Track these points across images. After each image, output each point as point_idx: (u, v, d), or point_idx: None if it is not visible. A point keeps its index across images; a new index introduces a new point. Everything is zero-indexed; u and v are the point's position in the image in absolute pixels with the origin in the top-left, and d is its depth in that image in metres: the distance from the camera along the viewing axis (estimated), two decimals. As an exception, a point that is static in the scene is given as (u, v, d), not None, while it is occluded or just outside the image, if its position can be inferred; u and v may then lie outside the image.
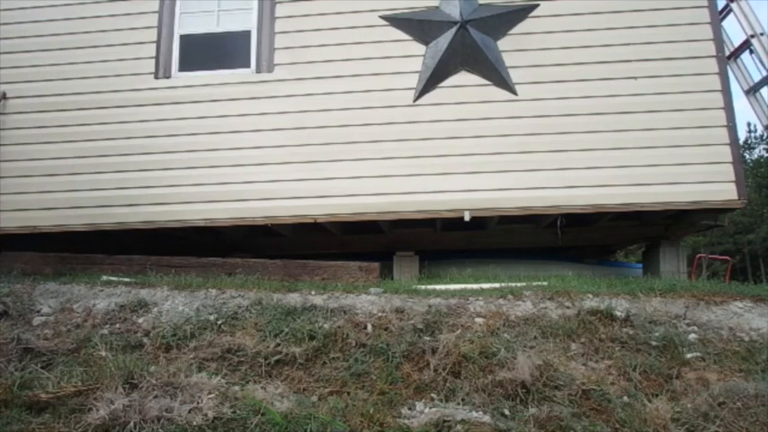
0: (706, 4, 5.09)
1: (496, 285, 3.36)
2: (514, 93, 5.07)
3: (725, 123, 4.95)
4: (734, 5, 5.44)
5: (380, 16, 5.23)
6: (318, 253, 5.73)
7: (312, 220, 5.03)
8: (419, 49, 5.19)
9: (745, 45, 5.42)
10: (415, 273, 5.23)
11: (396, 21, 5.22)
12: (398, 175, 4.99)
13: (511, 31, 5.15)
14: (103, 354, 2.36)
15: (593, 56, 5.05)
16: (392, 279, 4.74)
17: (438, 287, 3.32)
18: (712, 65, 5.01)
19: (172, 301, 3.15)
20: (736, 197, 4.87)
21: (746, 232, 27.77)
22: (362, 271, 3.79)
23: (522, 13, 5.16)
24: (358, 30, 5.23)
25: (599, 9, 5.12)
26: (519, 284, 3.33)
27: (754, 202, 23.98)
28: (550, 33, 5.12)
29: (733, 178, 4.89)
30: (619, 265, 7.23)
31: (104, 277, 4.06)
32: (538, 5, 5.14)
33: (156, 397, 1.78)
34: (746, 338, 2.75)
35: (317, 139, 5.09)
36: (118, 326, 2.90)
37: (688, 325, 2.76)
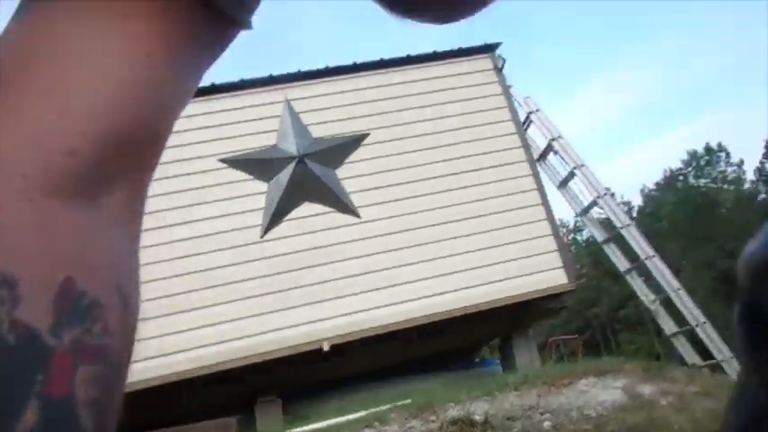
0: (510, 117, 5.93)
1: (363, 414, 3.26)
2: (358, 216, 5.33)
3: (545, 217, 5.61)
4: (533, 116, 6.49)
5: (219, 159, 5.33)
6: (176, 413, 5.12)
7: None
8: (262, 186, 5.31)
9: (549, 148, 6.45)
10: (279, 417, 4.83)
11: (235, 163, 5.35)
12: (259, 314, 4.82)
13: (347, 160, 5.52)
14: None
15: (422, 173, 5.55)
16: (255, 430, 4.34)
17: (305, 429, 3.13)
18: (525, 168, 5.75)
19: None
20: (566, 281, 5.43)
21: (591, 306, 30.69)
22: (219, 429, 3.45)
23: (355, 143, 5.61)
24: (197, 175, 5.24)
25: (424, 131, 5.69)
26: (384, 408, 3.27)
27: (593, 278, 26.79)
28: (382, 158, 5.56)
29: (561, 265, 5.47)
30: (482, 365, 7.40)
31: None
32: (368, 135, 5.63)
33: None
34: (594, 414, 2.95)
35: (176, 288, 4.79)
36: None
37: (542, 414, 2.89)
